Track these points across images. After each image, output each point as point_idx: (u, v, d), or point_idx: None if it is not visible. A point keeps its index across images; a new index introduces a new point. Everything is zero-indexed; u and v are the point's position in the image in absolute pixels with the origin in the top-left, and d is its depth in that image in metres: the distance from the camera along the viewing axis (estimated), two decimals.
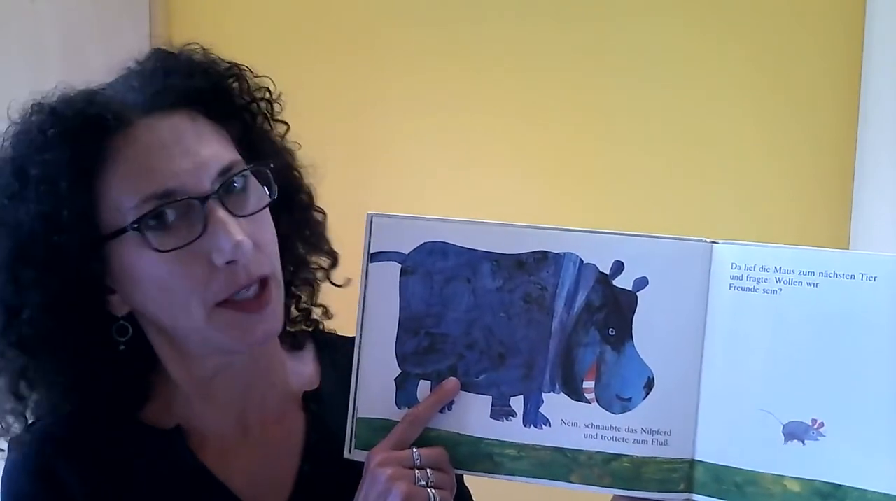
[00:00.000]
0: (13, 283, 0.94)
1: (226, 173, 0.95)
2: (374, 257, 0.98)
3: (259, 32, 2.14)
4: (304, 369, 1.13)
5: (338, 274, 1.13)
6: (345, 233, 1.10)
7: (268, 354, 1.07)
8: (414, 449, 0.95)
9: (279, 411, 1.09)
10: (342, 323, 1.14)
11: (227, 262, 0.92)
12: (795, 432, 0.91)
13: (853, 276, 0.89)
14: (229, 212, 0.93)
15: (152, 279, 0.94)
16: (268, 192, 0.98)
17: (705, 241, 0.96)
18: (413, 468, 0.94)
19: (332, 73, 2.13)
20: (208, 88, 0.99)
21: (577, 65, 2.09)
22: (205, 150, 0.95)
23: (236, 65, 1.04)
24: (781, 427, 0.91)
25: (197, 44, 1.03)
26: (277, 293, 0.98)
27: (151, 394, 1.06)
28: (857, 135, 2.02)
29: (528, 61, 2.10)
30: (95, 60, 1.93)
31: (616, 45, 2.08)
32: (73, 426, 1.02)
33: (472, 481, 1.12)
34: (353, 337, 1.01)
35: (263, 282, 0.96)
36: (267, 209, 0.98)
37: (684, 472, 0.95)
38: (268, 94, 1.07)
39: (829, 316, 0.90)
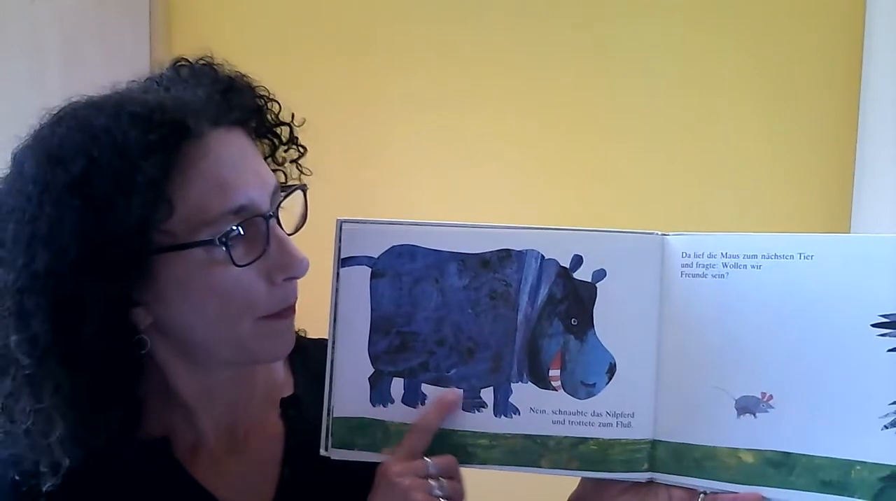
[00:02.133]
0: (72, 286, 0.92)
1: (277, 192, 1.02)
2: (344, 262, 1.08)
3: (258, 32, 2.25)
4: (276, 375, 1.20)
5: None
6: None
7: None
8: (427, 459, 1.02)
9: (261, 418, 1.16)
10: (314, 326, 1.21)
11: (289, 278, 1.01)
12: (747, 406, 1.01)
13: (792, 256, 1.00)
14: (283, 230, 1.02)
15: (214, 291, 0.98)
16: (303, 213, 1.07)
17: (657, 234, 1.07)
18: (427, 477, 1.01)
19: (332, 72, 2.23)
20: (256, 109, 1.06)
21: (578, 65, 2.18)
22: (264, 169, 1.03)
23: (264, 86, 1.10)
24: (734, 402, 1.02)
25: (214, 57, 1.08)
26: None
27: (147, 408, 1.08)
28: (857, 135, 2.09)
29: (528, 61, 2.19)
30: (95, 60, 2.07)
31: (616, 44, 2.17)
32: None
33: None
34: (322, 340, 1.11)
35: None
36: None
37: (647, 452, 1.06)
38: (290, 118, 1.13)
39: (772, 294, 1.01)
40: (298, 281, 1.05)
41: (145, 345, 1.01)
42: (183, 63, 1.07)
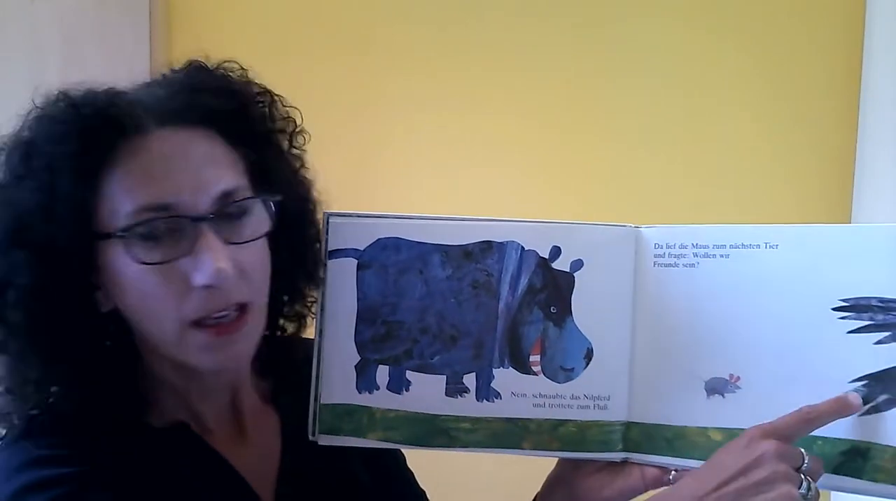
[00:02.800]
0: (6, 262, 1.01)
1: (226, 198, 1.02)
2: (331, 254, 1.15)
3: (258, 32, 2.30)
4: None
5: None
6: None
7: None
8: (805, 454, 0.99)
9: (260, 408, 1.23)
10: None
11: (205, 286, 1.00)
12: (716, 387, 1.09)
13: (758, 246, 1.08)
14: (220, 237, 1.01)
15: (133, 286, 1.02)
16: (268, 223, 1.06)
17: (631, 226, 1.15)
18: (798, 470, 0.98)
19: (332, 72, 2.29)
20: (231, 111, 1.07)
21: (578, 65, 2.25)
22: (210, 172, 1.02)
23: (268, 91, 1.13)
24: (703, 383, 1.10)
25: (235, 63, 1.12)
26: (256, 320, 1.07)
27: (150, 397, 1.12)
28: (857, 135, 2.15)
29: (528, 61, 2.26)
30: (95, 60, 2.13)
31: (615, 44, 2.23)
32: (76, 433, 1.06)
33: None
34: (299, 336, 1.19)
35: (243, 308, 1.04)
36: (263, 238, 1.06)
37: (621, 433, 1.14)
38: (292, 126, 1.15)
39: (739, 281, 1.09)
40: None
41: (109, 328, 1.08)
42: (191, 63, 1.11)
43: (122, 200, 1.00)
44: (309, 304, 1.22)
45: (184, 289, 1.01)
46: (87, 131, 0.99)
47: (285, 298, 1.19)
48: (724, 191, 2.23)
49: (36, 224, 1.00)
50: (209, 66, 1.11)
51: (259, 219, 1.06)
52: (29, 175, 1.01)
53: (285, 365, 1.24)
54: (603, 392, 1.15)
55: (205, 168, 1.03)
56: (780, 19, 2.20)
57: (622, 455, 1.15)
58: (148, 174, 1.00)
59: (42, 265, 1.00)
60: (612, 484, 1.16)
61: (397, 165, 2.31)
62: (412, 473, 1.37)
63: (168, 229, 1.00)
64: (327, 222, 1.15)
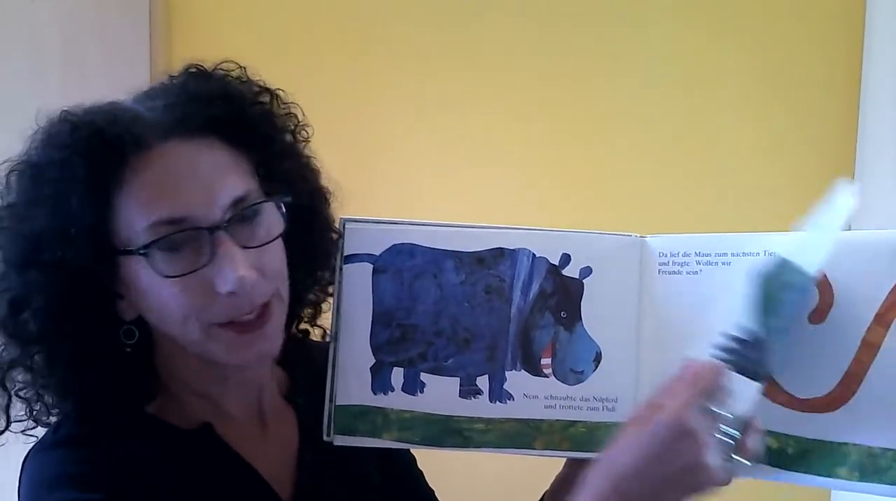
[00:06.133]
0: (22, 283, 1.08)
1: (238, 203, 1.08)
2: (347, 259, 1.23)
3: (258, 32, 2.38)
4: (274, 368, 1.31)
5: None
6: None
7: None
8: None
9: (278, 405, 1.31)
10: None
11: (229, 293, 1.06)
12: None
13: (758, 254, 1.19)
14: (237, 242, 1.07)
15: (154, 296, 1.08)
16: (281, 224, 1.12)
17: (636, 236, 1.25)
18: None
19: (332, 72, 2.37)
20: (231, 116, 1.11)
21: (579, 65, 2.34)
22: (219, 180, 1.07)
23: (267, 89, 1.18)
24: None
25: (233, 63, 1.17)
26: (279, 311, 1.14)
27: (163, 394, 1.19)
28: (857, 135, 2.25)
29: (529, 62, 2.35)
30: (95, 60, 2.21)
31: (615, 45, 2.33)
32: (98, 434, 1.14)
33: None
34: (314, 340, 1.28)
35: (265, 306, 1.11)
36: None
37: None
38: (295, 121, 1.21)
39: (740, 288, 1.18)
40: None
41: (133, 336, 1.15)
42: (188, 68, 1.16)
43: (136, 217, 1.05)
44: (325, 289, 1.29)
45: (208, 296, 1.07)
46: (92, 153, 1.04)
47: (301, 288, 1.25)
48: (723, 191, 2.32)
49: (51, 246, 1.06)
50: (206, 70, 1.16)
51: (272, 219, 1.12)
52: (40, 199, 1.06)
53: (303, 364, 1.33)
54: (611, 394, 1.24)
55: (213, 177, 1.08)
56: (780, 19, 2.30)
57: None
58: (158, 189, 1.05)
59: (59, 284, 1.08)
60: None
61: (397, 165, 2.39)
62: (422, 473, 1.46)
63: (186, 241, 1.06)
64: (343, 227, 1.23)
